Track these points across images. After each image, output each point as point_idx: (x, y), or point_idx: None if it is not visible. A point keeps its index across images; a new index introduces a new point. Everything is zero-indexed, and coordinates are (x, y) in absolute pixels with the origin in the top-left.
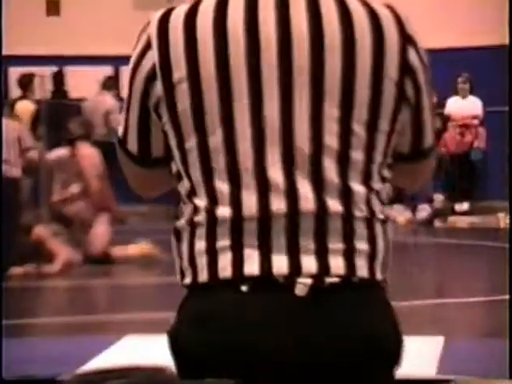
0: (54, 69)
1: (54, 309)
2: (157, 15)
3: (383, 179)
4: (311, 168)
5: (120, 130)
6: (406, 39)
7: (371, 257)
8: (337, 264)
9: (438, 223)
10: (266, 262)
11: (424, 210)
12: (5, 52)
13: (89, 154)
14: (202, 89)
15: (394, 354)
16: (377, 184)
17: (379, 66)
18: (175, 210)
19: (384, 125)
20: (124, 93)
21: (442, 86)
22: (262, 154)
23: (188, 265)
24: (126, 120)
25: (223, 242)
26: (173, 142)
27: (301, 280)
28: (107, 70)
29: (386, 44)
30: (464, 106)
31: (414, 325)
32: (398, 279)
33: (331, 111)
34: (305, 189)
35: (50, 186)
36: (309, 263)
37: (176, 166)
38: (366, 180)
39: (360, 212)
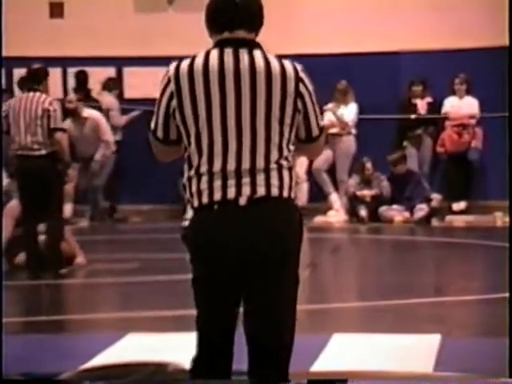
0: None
1: (58, 306)
2: (173, 65)
3: (289, 150)
4: (250, 144)
5: (152, 125)
6: (299, 79)
7: (280, 187)
8: (261, 190)
9: (435, 222)
10: (224, 193)
11: (422, 210)
12: (9, 53)
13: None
14: (196, 104)
15: (288, 234)
16: (285, 152)
17: (285, 91)
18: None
19: (288, 121)
20: (125, 94)
21: (440, 87)
22: (226, 141)
23: (190, 197)
24: (157, 119)
25: (204, 185)
26: (182, 132)
27: (242, 198)
28: (110, 71)
29: (287, 81)
30: (461, 106)
31: (412, 323)
32: (396, 278)
33: (260, 115)
34: (246, 156)
35: None
36: (246, 191)
37: (184, 144)
38: (280, 150)
39: (274, 165)
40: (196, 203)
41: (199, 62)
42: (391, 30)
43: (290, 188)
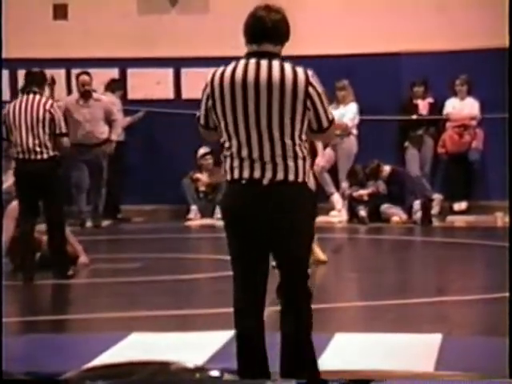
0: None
1: (61, 306)
2: (211, 72)
3: (301, 140)
4: (268, 137)
5: (198, 114)
6: (309, 84)
7: (295, 173)
8: (280, 175)
9: (436, 222)
10: (251, 173)
11: (418, 209)
12: (13, 55)
13: None
14: (225, 105)
15: (296, 213)
16: (298, 141)
17: (295, 95)
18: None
19: (299, 117)
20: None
21: (441, 88)
22: (249, 133)
23: (224, 172)
24: (201, 111)
25: (236, 164)
26: (217, 122)
27: (265, 179)
28: (113, 72)
29: (298, 86)
30: (462, 107)
31: (413, 322)
32: (397, 277)
33: (275, 113)
34: (266, 147)
35: None
36: (268, 174)
37: (220, 131)
38: (293, 140)
39: (290, 154)
40: (229, 177)
41: (229, 71)
42: (393, 31)
43: (304, 173)
